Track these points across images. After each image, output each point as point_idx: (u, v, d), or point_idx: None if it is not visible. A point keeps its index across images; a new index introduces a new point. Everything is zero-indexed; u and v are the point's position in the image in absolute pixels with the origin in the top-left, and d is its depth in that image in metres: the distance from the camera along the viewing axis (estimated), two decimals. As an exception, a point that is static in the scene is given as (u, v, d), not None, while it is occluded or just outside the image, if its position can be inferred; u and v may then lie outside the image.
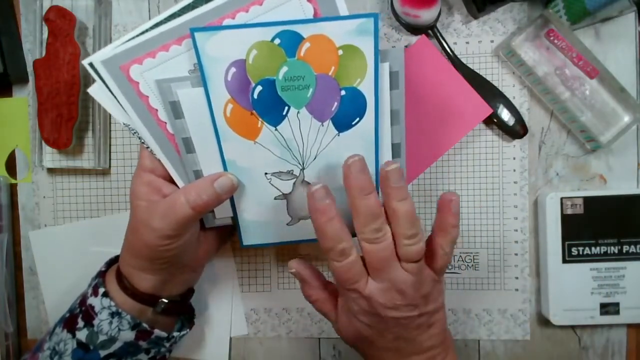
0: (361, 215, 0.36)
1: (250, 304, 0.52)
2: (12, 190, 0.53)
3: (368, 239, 0.36)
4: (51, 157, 0.51)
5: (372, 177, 0.41)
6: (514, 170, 0.50)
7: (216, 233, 0.47)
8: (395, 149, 0.42)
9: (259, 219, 0.43)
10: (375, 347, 0.40)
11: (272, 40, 0.37)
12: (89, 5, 0.49)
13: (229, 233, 0.50)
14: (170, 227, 0.38)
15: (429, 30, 0.47)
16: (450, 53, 0.48)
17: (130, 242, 0.41)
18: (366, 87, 0.39)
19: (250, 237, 0.44)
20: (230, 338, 0.52)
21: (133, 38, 0.38)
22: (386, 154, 0.42)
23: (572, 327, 0.50)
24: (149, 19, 0.51)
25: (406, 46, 0.49)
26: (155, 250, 0.39)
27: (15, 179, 0.53)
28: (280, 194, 0.42)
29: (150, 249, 0.39)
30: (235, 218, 0.43)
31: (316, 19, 0.38)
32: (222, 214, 0.43)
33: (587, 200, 0.47)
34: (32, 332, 0.53)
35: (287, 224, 0.44)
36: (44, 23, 0.48)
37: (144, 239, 0.39)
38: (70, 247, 0.52)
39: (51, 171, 0.52)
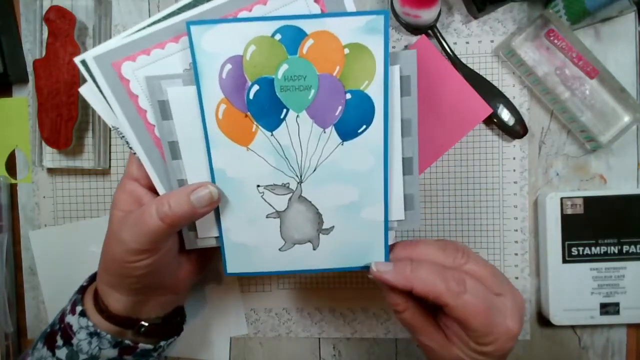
0: None
1: (250, 304, 0.52)
2: (12, 190, 0.53)
3: None
4: (51, 157, 0.51)
5: (381, 192, 0.37)
6: (514, 170, 0.50)
7: (201, 253, 0.42)
8: (407, 164, 0.37)
9: (247, 241, 0.38)
10: None
11: (273, 35, 0.34)
12: (89, 5, 0.49)
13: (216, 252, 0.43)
14: (138, 240, 0.34)
15: (429, 30, 0.47)
16: (450, 53, 0.48)
17: (102, 255, 0.38)
18: (374, 91, 0.35)
19: (235, 263, 0.38)
20: (230, 338, 0.52)
21: (129, 35, 0.36)
22: (396, 169, 0.37)
23: (572, 327, 0.50)
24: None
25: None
26: (123, 267, 0.36)
27: (15, 179, 0.53)
28: (273, 211, 0.37)
29: (119, 265, 0.36)
30: (220, 239, 0.38)
31: (321, 14, 0.35)
32: (206, 233, 0.38)
33: (587, 200, 0.47)
34: (32, 332, 0.53)
35: (280, 249, 0.38)
36: (44, 23, 0.48)
37: (112, 252, 0.36)
38: (70, 247, 0.52)
39: (51, 171, 0.52)
